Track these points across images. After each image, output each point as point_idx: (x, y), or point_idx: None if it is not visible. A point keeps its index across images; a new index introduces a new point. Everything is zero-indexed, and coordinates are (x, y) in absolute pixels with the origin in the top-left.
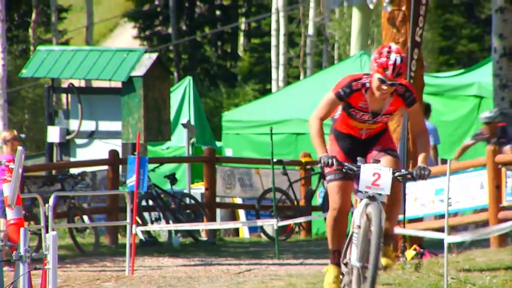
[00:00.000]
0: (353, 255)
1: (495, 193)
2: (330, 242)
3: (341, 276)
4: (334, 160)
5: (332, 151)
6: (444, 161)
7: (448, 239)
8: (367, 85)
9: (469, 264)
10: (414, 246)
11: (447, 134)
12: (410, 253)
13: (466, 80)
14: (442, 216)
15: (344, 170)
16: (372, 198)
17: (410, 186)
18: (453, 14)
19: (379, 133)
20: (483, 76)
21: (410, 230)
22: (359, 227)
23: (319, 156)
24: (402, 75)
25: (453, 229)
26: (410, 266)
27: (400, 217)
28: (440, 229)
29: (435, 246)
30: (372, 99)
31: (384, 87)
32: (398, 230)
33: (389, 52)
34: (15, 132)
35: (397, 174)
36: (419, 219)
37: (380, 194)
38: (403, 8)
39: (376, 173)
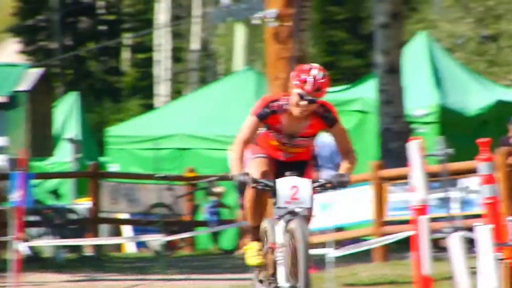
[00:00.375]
0: (280, 277)
1: (379, 208)
2: (251, 218)
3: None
4: (247, 177)
5: (253, 164)
6: None
7: (333, 253)
8: (284, 106)
9: (353, 279)
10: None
11: None
12: None
13: (350, 96)
14: (327, 231)
15: (259, 187)
16: (293, 213)
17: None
18: (336, 30)
19: (300, 164)
20: (367, 92)
21: None
22: (283, 245)
23: (233, 175)
24: (322, 92)
25: (338, 244)
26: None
27: None
28: (325, 244)
29: (320, 261)
30: (289, 121)
31: (303, 102)
32: None
33: (310, 68)
34: None
35: (316, 184)
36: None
37: (301, 208)
38: (288, 23)
39: (294, 186)
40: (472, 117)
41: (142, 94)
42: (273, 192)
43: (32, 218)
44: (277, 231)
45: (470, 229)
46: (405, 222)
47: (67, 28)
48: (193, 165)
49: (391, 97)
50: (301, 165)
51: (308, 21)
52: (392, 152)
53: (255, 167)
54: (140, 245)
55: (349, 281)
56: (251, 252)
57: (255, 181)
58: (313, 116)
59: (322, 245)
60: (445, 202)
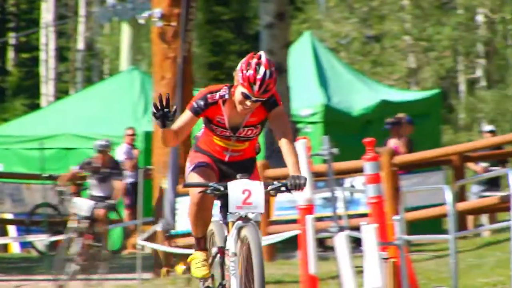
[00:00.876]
0: None
1: (265, 207)
2: (194, 230)
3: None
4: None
5: (195, 156)
6: None
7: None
8: (226, 96)
9: None
10: (184, 262)
11: None
12: (180, 268)
13: None
14: None
15: (208, 191)
16: (245, 219)
17: (182, 201)
18: (222, 30)
19: (246, 162)
20: None
21: (176, 249)
22: (235, 254)
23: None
24: (270, 92)
25: None
26: (182, 281)
27: (173, 231)
28: None
29: None
30: (231, 113)
31: (248, 103)
32: (168, 248)
33: (258, 64)
34: None
35: (269, 188)
36: (190, 234)
37: (254, 213)
38: (174, 23)
39: (246, 189)
40: (356, 117)
41: (27, 94)
42: (221, 197)
43: None
44: (228, 239)
45: (356, 228)
46: (292, 221)
47: None
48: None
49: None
50: (248, 164)
51: (193, 21)
52: (278, 152)
53: (196, 177)
54: (25, 245)
55: None
56: (196, 263)
57: (204, 184)
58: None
59: None
60: (330, 201)
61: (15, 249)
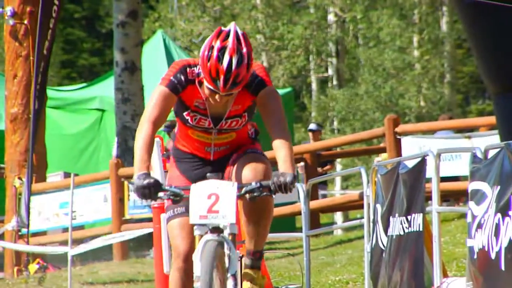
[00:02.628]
0: None
1: (119, 206)
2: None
3: None
4: (151, 183)
5: (171, 177)
6: (67, 175)
7: (72, 252)
8: (201, 75)
9: (93, 277)
10: (38, 259)
11: (69, 148)
12: (33, 266)
13: (88, 94)
14: (67, 229)
15: (165, 197)
16: (217, 230)
17: (34, 200)
18: (74, 28)
19: (236, 149)
20: (104, 90)
21: (33, 247)
22: (200, 278)
23: (134, 176)
24: (241, 83)
25: (78, 242)
26: (34, 280)
27: (24, 230)
28: (65, 242)
29: (60, 260)
30: (210, 97)
31: (218, 98)
32: (21, 246)
33: (222, 50)
34: None
35: (244, 190)
36: (43, 233)
37: (223, 224)
38: (26, 21)
39: (213, 193)
40: None
41: None
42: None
43: None
44: (193, 258)
45: None
46: (146, 220)
47: None
48: None
49: (130, 95)
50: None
51: (54, 19)
52: (131, 150)
53: (177, 235)
54: None
55: (88, 280)
56: None
57: (158, 188)
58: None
59: (62, 243)
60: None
61: None
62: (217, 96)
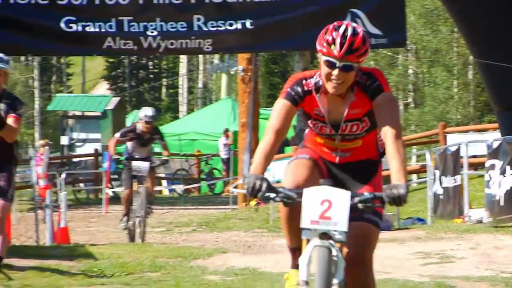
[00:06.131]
0: None
1: None
2: (288, 238)
3: None
4: (263, 183)
5: (288, 168)
6: None
7: None
8: (320, 83)
9: None
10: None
11: None
12: (253, 202)
13: None
14: None
15: (277, 199)
16: (325, 236)
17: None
18: (275, 76)
19: (363, 165)
20: None
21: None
22: (307, 283)
23: (244, 175)
24: (358, 53)
25: None
26: (254, 210)
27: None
28: None
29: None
30: (328, 103)
31: (335, 72)
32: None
33: (338, 26)
34: (46, 141)
35: (357, 199)
36: None
37: (335, 231)
38: (249, 73)
39: (326, 200)
40: None
41: (172, 111)
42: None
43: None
44: (300, 262)
45: None
46: None
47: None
48: None
49: None
50: (365, 168)
51: (255, 74)
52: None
53: (290, 172)
54: (171, 190)
55: None
56: (289, 285)
57: (270, 190)
58: (356, 90)
59: None
60: None
61: (166, 192)
62: (334, 71)
